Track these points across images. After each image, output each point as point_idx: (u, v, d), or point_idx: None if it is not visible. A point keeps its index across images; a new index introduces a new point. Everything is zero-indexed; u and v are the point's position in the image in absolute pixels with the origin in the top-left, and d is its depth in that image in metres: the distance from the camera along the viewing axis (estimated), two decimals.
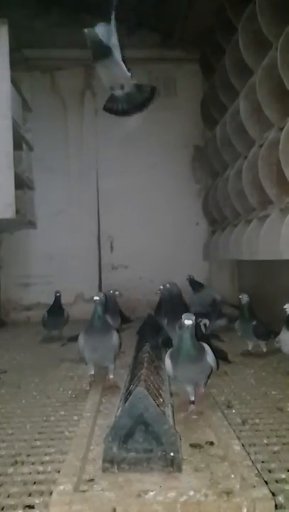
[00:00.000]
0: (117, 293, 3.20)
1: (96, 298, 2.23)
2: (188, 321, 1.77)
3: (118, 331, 2.42)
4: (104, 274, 4.79)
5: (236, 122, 3.43)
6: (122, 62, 2.88)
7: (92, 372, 2.24)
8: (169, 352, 1.88)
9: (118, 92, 3.02)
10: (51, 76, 4.78)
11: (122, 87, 2.96)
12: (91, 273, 4.74)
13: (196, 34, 4.30)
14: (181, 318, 2.44)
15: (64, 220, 4.68)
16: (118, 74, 2.90)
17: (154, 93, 3.19)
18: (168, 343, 2.63)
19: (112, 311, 3.01)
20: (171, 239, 4.74)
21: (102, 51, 2.83)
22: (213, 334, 2.83)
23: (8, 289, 4.74)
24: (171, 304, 2.71)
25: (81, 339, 2.22)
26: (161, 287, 2.87)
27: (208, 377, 1.94)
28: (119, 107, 3.13)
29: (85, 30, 2.77)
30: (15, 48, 3.68)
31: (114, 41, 2.89)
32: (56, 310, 3.51)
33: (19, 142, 4.03)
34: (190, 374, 1.83)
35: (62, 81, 4.79)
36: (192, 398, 1.85)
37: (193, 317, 1.80)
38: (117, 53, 2.87)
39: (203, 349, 1.85)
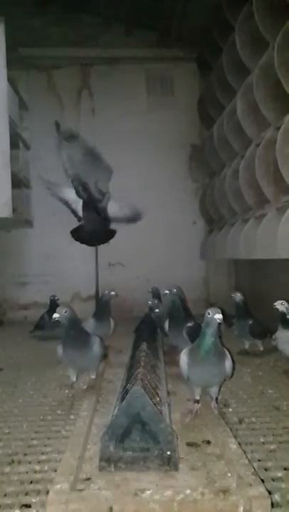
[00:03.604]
0: (112, 293, 2.86)
1: (56, 316, 1.97)
2: (218, 315, 1.68)
3: (102, 339, 2.23)
4: (101, 273, 4.78)
5: (233, 121, 3.43)
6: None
7: (74, 380, 2.15)
8: (187, 348, 1.83)
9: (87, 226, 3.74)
10: (48, 75, 4.78)
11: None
12: (88, 272, 4.73)
13: (193, 33, 4.30)
14: (183, 323, 2.43)
15: (61, 219, 4.66)
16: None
17: (114, 233, 3.85)
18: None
19: (101, 314, 2.80)
20: (168, 238, 4.74)
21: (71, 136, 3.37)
22: None
23: (5, 288, 4.74)
24: (175, 310, 2.57)
25: (59, 350, 2.08)
26: (167, 292, 2.66)
27: (220, 387, 1.87)
28: (84, 236, 3.77)
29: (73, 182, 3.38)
30: (11, 47, 3.67)
31: None
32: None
33: (16, 141, 4.02)
34: (205, 375, 1.77)
35: (59, 80, 4.78)
36: (197, 397, 1.82)
37: (220, 311, 1.70)
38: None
39: (224, 353, 1.79)
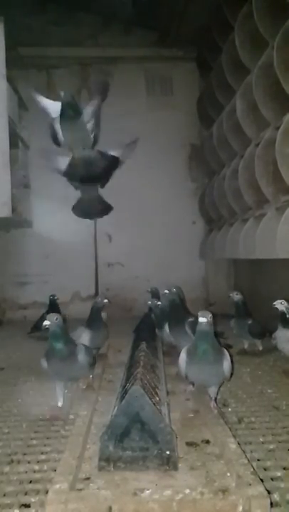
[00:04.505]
0: (105, 301, 2.72)
1: (46, 323, 1.88)
2: (202, 319, 1.73)
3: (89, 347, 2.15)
4: (101, 273, 4.79)
5: (233, 121, 3.43)
6: (88, 128, 2.97)
7: (60, 405, 1.95)
8: (186, 347, 1.86)
9: (78, 154, 3.08)
10: (47, 74, 4.77)
11: (83, 148, 3.03)
12: (87, 272, 4.74)
13: (192, 33, 4.30)
14: (184, 324, 2.43)
15: (60, 218, 4.67)
16: (82, 137, 2.97)
17: (117, 162, 3.24)
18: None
19: (95, 323, 2.63)
20: (167, 238, 4.74)
21: (73, 114, 2.91)
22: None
23: (4, 287, 4.74)
24: (175, 310, 2.55)
25: (43, 363, 1.95)
26: (167, 291, 2.62)
27: (219, 387, 1.88)
28: (79, 172, 3.16)
29: (62, 92, 2.90)
30: (11, 46, 3.67)
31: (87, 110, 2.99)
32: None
33: (15, 141, 4.02)
34: (203, 374, 1.80)
35: (59, 79, 4.77)
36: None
37: (209, 315, 1.74)
38: (86, 119, 2.97)
39: (222, 353, 1.80)
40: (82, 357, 1.97)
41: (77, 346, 2.01)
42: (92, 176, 3.33)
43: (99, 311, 2.72)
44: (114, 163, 3.23)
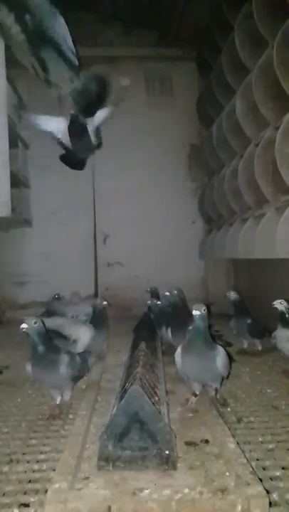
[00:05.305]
0: (105, 303, 2.73)
1: (23, 326, 1.79)
2: (195, 311, 1.76)
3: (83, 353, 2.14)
4: (100, 273, 4.79)
5: (232, 121, 3.43)
6: (69, 53, 2.69)
7: (58, 402, 1.94)
8: (181, 344, 1.89)
9: (67, 88, 2.84)
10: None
11: (71, 80, 2.77)
12: (87, 271, 4.74)
13: (192, 33, 4.30)
14: (185, 331, 2.43)
15: (60, 218, 4.67)
16: (64, 65, 2.70)
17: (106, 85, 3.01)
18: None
19: (96, 325, 2.60)
20: (167, 237, 4.75)
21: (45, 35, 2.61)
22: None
23: (3, 287, 4.73)
24: (176, 312, 2.54)
25: (28, 367, 1.89)
26: (167, 293, 2.63)
27: (220, 383, 1.89)
28: (83, 99, 2.95)
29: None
30: (10, 46, 3.66)
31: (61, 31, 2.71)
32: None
33: (15, 140, 4.02)
34: (196, 368, 1.81)
35: None
36: (197, 392, 1.86)
37: (203, 307, 1.77)
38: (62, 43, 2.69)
39: (216, 349, 1.81)
40: (63, 369, 1.87)
41: (60, 356, 1.90)
42: (91, 102, 3.16)
43: (101, 313, 2.71)
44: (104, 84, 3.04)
